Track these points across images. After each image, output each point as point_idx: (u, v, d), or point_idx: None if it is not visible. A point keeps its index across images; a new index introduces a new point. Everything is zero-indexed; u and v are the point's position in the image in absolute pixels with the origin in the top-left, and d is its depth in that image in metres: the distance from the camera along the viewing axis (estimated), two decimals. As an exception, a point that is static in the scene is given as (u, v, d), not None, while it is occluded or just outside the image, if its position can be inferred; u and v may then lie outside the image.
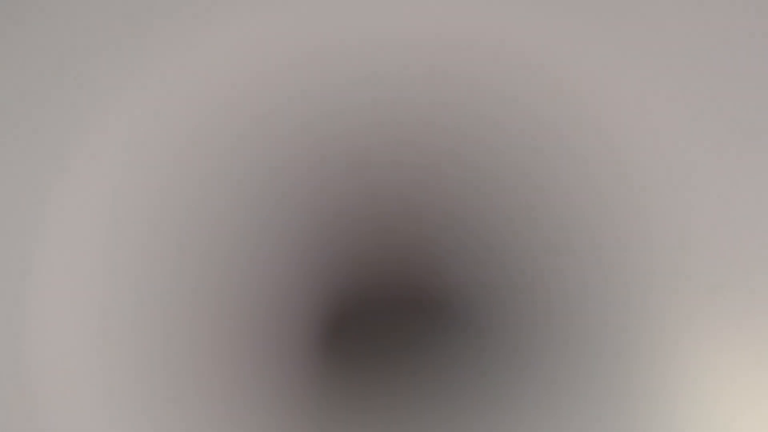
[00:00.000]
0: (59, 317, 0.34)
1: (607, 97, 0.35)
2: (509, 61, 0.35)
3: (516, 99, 0.35)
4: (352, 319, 0.34)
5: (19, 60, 0.35)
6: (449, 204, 0.34)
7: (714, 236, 0.34)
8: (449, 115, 0.34)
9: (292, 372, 0.34)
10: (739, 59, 0.35)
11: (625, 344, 0.34)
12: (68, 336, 0.34)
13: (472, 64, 0.35)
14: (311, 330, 0.34)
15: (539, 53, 0.35)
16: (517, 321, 0.34)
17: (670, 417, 0.33)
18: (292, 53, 0.35)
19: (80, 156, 0.34)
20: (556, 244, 0.34)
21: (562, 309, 0.34)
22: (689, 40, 0.35)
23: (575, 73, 0.35)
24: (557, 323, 0.34)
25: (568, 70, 0.35)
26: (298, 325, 0.34)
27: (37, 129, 0.35)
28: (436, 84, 0.35)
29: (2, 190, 0.34)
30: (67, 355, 0.34)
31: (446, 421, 0.34)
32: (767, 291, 0.34)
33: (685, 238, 0.34)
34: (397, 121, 0.34)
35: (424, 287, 0.34)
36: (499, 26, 0.35)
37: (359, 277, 0.34)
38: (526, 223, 0.34)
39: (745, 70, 0.35)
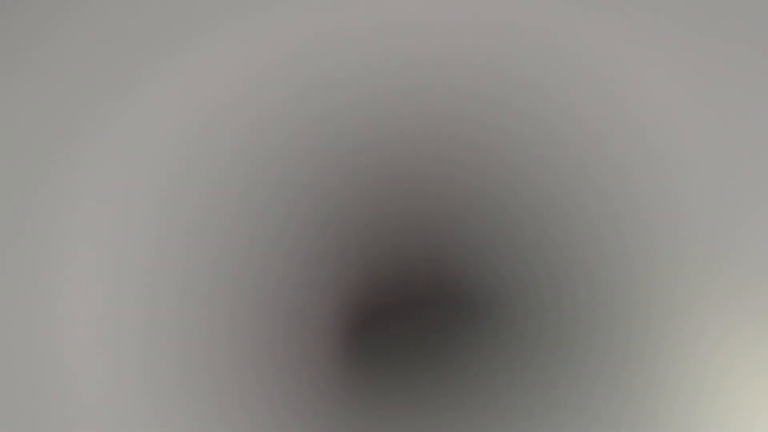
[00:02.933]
0: (87, 321, 0.34)
1: (635, 93, 0.35)
2: (525, 44, 0.35)
3: (534, 85, 0.34)
4: (372, 321, 0.34)
5: (37, 64, 0.35)
6: (470, 201, 0.34)
7: (738, 236, 0.34)
8: (468, 106, 0.34)
9: (312, 374, 0.34)
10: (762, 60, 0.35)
11: (646, 345, 0.34)
12: (97, 340, 0.34)
13: (490, 50, 0.35)
14: (331, 331, 0.34)
15: (557, 34, 0.35)
16: (539, 322, 0.34)
17: (689, 417, 0.33)
18: (294, 48, 0.35)
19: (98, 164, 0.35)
20: (581, 245, 0.34)
21: (585, 310, 0.34)
22: (719, 37, 0.35)
23: (600, 63, 0.35)
24: (580, 325, 0.34)
25: (591, 58, 0.35)
26: (318, 326, 0.34)
27: (57, 131, 0.35)
28: (456, 74, 0.35)
29: (26, 198, 0.34)
30: (96, 358, 0.34)
31: (465, 420, 0.34)
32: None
33: (710, 237, 0.34)
34: (413, 114, 0.34)
35: (444, 287, 0.34)
36: (519, 9, 0.35)
37: (378, 279, 0.34)
38: (549, 221, 0.34)
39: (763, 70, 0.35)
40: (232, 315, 0.34)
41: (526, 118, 0.34)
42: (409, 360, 0.34)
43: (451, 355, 0.34)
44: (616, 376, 0.34)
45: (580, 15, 0.35)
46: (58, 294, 0.34)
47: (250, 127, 0.35)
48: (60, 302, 0.34)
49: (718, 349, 0.33)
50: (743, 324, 0.34)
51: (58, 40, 0.35)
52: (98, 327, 0.34)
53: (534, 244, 0.34)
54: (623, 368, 0.34)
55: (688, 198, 0.34)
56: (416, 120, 0.34)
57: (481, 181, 0.34)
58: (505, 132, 0.34)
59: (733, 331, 0.33)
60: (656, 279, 0.34)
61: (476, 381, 0.34)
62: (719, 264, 0.34)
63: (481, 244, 0.34)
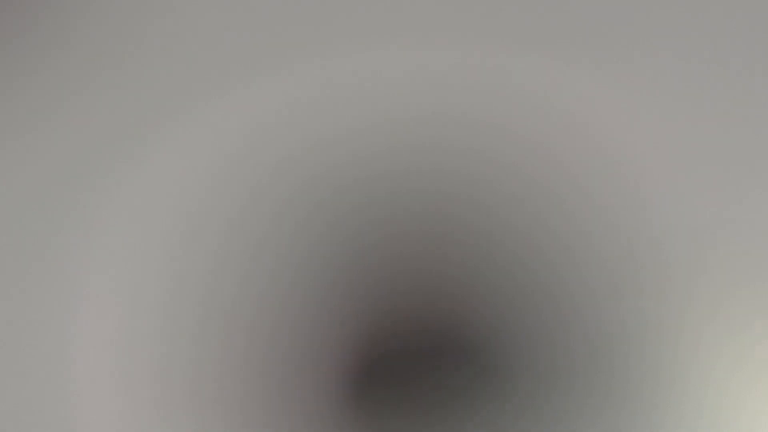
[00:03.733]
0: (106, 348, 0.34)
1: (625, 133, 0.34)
2: (522, 102, 0.35)
3: (532, 142, 0.34)
4: (378, 369, 0.34)
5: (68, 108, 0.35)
6: (475, 252, 0.34)
7: (756, 255, 0.34)
8: (472, 163, 0.34)
9: (321, 421, 0.34)
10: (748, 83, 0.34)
11: (656, 369, 0.33)
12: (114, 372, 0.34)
13: (487, 110, 0.35)
14: (335, 386, 0.34)
15: (550, 93, 0.35)
16: (543, 366, 0.33)
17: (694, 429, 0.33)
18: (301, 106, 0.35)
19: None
20: (576, 251, 0.34)
21: (598, 335, 0.34)
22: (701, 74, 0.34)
23: (589, 114, 0.35)
24: (591, 358, 0.34)
25: (581, 110, 0.35)
26: (326, 373, 0.34)
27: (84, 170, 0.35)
28: (456, 132, 0.35)
29: (48, 220, 0.34)
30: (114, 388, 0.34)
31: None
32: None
33: (726, 256, 0.33)
34: (421, 170, 0.34)
35: (451, 335, 0.34)
36: (514, 68, 0.35)
37: (384, 327, 0.34)
38: (554, 265, 0.34)
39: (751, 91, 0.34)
40: (248, 366, 0.34)
41: (522, 174, 0.34)
42: (412, 411, 0.34)
43: (455, 407, 0.33)
44: (620, 404, 0.33)
45: (580, 76, 0.35)
46: (71, 328, 0.34)
47: (257, 184, 0.34)
48: (73, 337, 0.34)
49: (734, 369, 0.33)
50: (735, 333, 0.33)
51: (66, 108, 0.35)
52: (112, 363, 0.34)
53: (546, 294, 0.34)
54: (640, 395, 0.33)
55: (705, 221, 0.34)
56: (416, 178, 0.34)
57: (478, 238, 0.34)
58: (502, 188, 0.34)
59: (728, 340, 0.33)
60: (670, 307, 0.34)
61: (484, 426, 0.34)
62: (706, 272, 0.33)
63: (477, 293, 0.34)
